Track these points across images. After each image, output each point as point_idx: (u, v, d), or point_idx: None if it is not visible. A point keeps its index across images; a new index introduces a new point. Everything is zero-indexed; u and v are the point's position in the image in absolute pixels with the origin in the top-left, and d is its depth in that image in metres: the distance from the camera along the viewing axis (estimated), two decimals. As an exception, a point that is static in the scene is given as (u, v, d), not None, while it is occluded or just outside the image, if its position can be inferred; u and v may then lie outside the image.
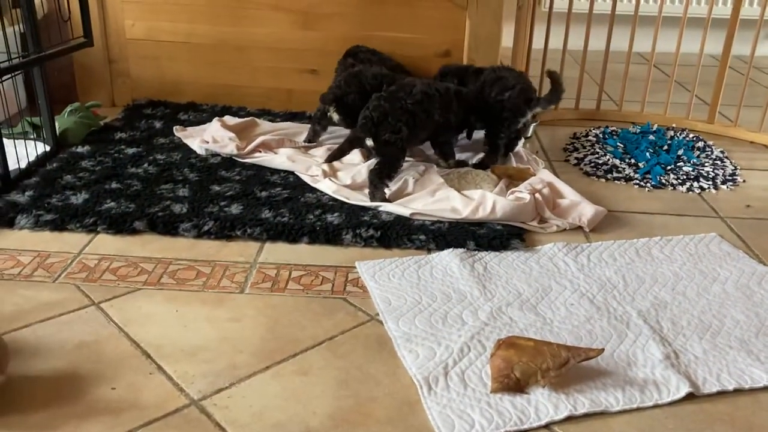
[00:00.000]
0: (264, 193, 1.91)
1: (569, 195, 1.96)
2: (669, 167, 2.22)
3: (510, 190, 1.93)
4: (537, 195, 1.87)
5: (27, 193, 1.85)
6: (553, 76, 2.12)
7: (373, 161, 2.06)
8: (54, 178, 1.95)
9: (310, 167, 2.05)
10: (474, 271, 1.61)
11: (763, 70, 3.34)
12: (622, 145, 2.37)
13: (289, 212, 1.81)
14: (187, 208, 1.80)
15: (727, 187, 2.15)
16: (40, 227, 1.72)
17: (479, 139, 2.24)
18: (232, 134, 2.20)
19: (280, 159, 2.10)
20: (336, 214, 1.81)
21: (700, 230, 1.87)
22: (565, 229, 1.84)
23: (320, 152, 2.17)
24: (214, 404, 1.18)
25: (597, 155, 2.31)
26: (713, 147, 2.43)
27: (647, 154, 2.29)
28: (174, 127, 2.33)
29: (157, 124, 2.40)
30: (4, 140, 1.90)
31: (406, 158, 2.05)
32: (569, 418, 1.17)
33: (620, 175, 2.19)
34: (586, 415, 1.18)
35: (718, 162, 2.30)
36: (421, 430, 1.14)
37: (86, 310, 1.42)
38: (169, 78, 2.62)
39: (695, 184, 2.14)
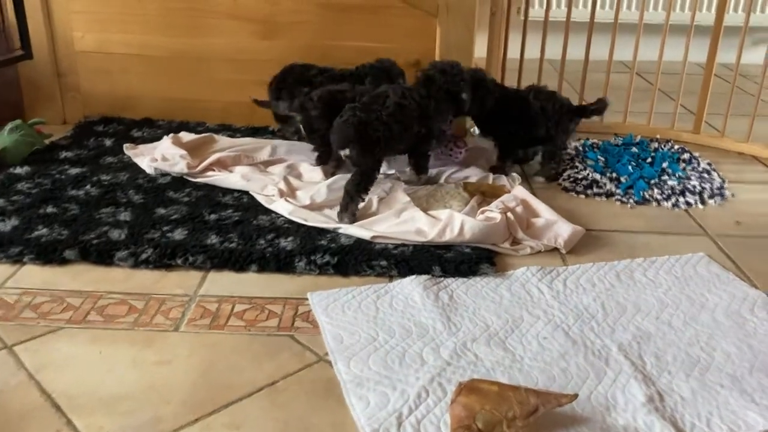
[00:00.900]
0: (213, 216, 1.76)
1: (545, 213, 1.81)
2: (653, 181, 2.08)
3: (480, 209, 1.78)
4: (509, 214, 1.72)
5: (-49, 220, 1.69)
6: (601, 101, 2.11)
7: (334, 179, 1.91)
8: (-15, 202, 1.79)
9: (266, 186, 1.90)
10: (438, 300, 1.46)
11: (750, 78, 3.22)
12: (603, 159, 2.23)
13: (239, 237, 1.65)
14: (126, 234, 1.64)
15: (715, 202, 2.02)
16: (-39, 258, 1.56)
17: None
18: (183, 152, 2.04)
19: (234, 178, 1.95)
20: (290, 239, 1.65)
21: (686, 250, 1.72)
22: (539, 251, 1.69)
23: (278, 170, 2.02)
24: (127, 468, 1.02)
25: (576, 169, 2.16)
26: (700, 159, 2.29)
27: (629, 167, 2.15)
28: (124, 145, 2.17)
29: (108, 142, 2.25)
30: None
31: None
32: (538, 478, 1.02)
33: (601, 190, 2.05)
34: (558, 473, 1.03)
35: (705, 175, 2.16)
36: (365, 496, 0.99)
37: (-4, 355, 1.26)
38: (122, 92, 2.46)
39: (681, 199, 2.00)
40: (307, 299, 1.46)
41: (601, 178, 2.10)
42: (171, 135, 2.19)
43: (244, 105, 2.46)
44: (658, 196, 2.01)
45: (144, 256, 1.56)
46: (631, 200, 1.99)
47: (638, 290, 1.53)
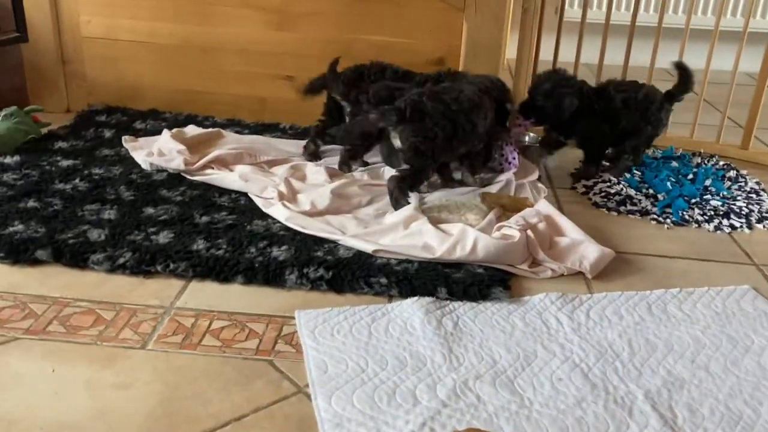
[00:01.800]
0: (204, 219, 1.61)
1: (570, 232, 1.63)
2: (694, 200, 1.88)
3: (497, 225, 1.60)
4: (530, 231, 1.54)
5: (-75, 211, 1.57)
6: (680, 66, 2.03)
7: (339, 184, 1.75)
8: (-35, 192, 1.67)
9: (265, 188, 1.75)
10: (441, 328, 1.28)
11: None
12: (639, 172, 2.03)
13: (228, 243, 1.50)
14: (107, 234, 1.51)
15: (764, 227, 1.80)
16: (-76, 254, 1.43)
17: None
18: (181, 147, 1.90)
19: (232, 177, 1.80)
20: (284, 248, 1.50)
21: (729, 281, 1.53)
22: (562, 275, 1.51)
23: (281, 171, 1.86)
24: None
25: (609, 183, 1.97)
26: (747, 177, 2.08)
27: (668, 183, 1.95)
28: (123, 138, 2.04)
29: (107, 134, 2.12)
30: None
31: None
32: None
33: (635, 207, 1.85)
34: None
35: (753, 195, 1.95)
36: None
37: (-62, 367, 1.13)
38: (128, 82, 2.34)
39: (725, 221, 1.80)
40: (294, 318, 1.30)
41: (636, 194, 1.91)
42: (175, 129, 2.05)
43: (255, 99, 2.34)
44: (699, 218, 1.81)
45: (121, 260, 1.42)
46: (668, 220, 1.80)
47: (672, 326, 1.34)
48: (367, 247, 1.50)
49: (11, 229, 1.51)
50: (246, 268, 1.42)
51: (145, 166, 1.88)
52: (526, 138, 2.17)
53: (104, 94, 2.35)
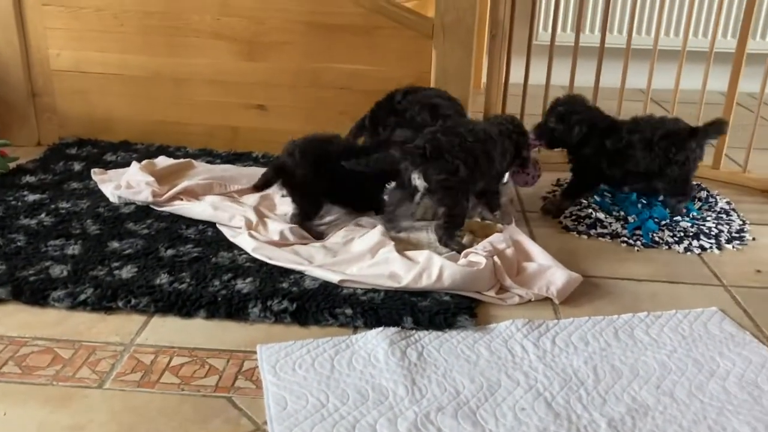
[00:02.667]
0: (170, 252, 1.60)
1: (538, 257, 1.62)
2: (664, 222, 1.88)
3: (464, 251, 1.59)
4: (496, 258, 1.54)
5: None
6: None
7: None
8: (-73, 230, 1.65)
9: (233, 217, 1.74)
10: (405, 359, 1.27)
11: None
12: (610, 195, 2.04)
13: (192, 277, 1.49)
14: (69, 270, 1.49)
15: (733, 247, 1.81)
16: None
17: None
18: (150, 178, 1.89)
19: (200, 207, 1.79)
20: (248, 280, 1.48)
21: (697, 302, 1.52)
22: (529, 301, 1.50)
23: (251, 200, 1.85)
24: None
25: (580, 206, 1.97)
26: (718, 197, 2.08)
27: (639, 205, 1.95)
28: (92, 170, 2.03)
29: (77, 167, 2.11)
30: None
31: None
32: None
33: (606, 230, 1.85)
34: None
35: (723, 215, 1.95)
36: None
37: None
38: (100, 114, 2.32)
39: (695, 242, 1.80)
40: (255, 353, 1.28)
41: (606, 217, 1.91)
42: (143, 161, 2.04)
43: (227, 129, 2.34)
44: (669, 239, 1.81)
45: (83, 296, 1.40)
46: (638, 243, 1.80)
47: (638, 351, 1.33)
48: (334, 278, 1.49)
49: (-28, 267, 1.49)
50: (208, 302, 1.40)
51: (113, 198, 1.87)
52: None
53: (75, 127, 2.34)
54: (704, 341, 1.37)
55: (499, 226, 1.78)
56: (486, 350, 1.32)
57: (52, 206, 1.81)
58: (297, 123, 2.25)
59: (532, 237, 1.77)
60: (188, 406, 1.14)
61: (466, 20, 2.11)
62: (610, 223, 1.88)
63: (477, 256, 1.54)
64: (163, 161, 2.09)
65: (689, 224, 1.87)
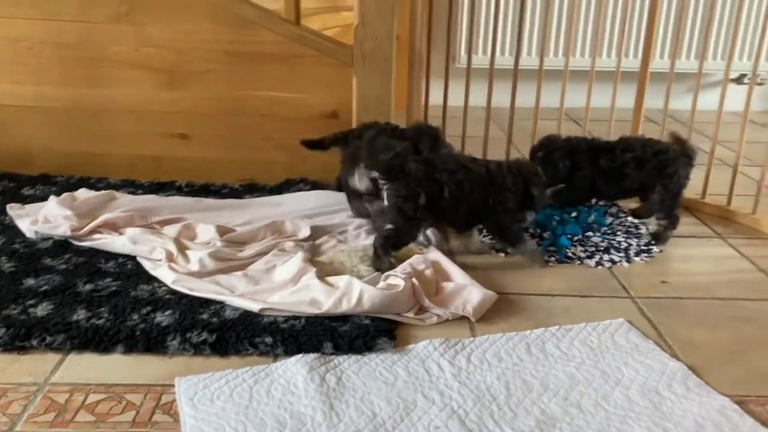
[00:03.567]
0: (88, 287, 1.58)
1: (457, 277, 1.67)
2: (577, 238, 1.97)
3: (384, 274, 1.63)
4: (414, 279, 1.58)
5: None
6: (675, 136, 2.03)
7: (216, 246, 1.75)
8: None
9: (154, 249, 1.73)
10: (324, 384, 1.29)
11: (684, 123, 3.17)
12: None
13: (110, 312, 1.48)
14: (-19, 311, 1.46)
15: (642, 260, 1.90)
16: None
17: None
18: (68, 212, 1.87)
19: (120, 241, 1.77)
20: (168, 312, 1.48)
21: (607, 315, 1.60)
22: (447, 320, 1.55)
23: (172, 230, 1.85)
24: None
25: (498, 225, 2.04)
26: (627, 211, 2.19)
27: (553, 222, 2.04)
28: (8, 206, 1.99)
29: (-8, 202, 2.06)
30: None
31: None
32: None
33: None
34: None
35: (633, 230, 2.05)
36: None
37: None
38: (17, 147, 2.28)
39: (605, 256, 1.89)
40: (173, 386, 1.28)
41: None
42: (63, 194, 2.01)
43: (149, 159, 2.32)
44: (582, 254, 1.89)
45: (-6, 337, 1.38)
46: (552, 259, 1.87)
47: (549, 365, 1.39)
48: (254, 307, 1.50)
49: None
50: (126, 337, 1.39)
51: (29, 234, 1.83)
52: None
53: (-9, 161, 2.29)
54: (611, 352, 1.44)
55: (418, 248, 1.83)
56: (404, 371, 1.35)
57: (-35, 244, 1.77)
58: (220, 151, 2.27)
59: (452, 257, 1.82)
60: (103, 445, 1.13)
61: (384, 48, 2.17)
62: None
63: (396, 278, 1.58)
64: (83, 194, 2.06)
65: (600, 239, 1.96)
